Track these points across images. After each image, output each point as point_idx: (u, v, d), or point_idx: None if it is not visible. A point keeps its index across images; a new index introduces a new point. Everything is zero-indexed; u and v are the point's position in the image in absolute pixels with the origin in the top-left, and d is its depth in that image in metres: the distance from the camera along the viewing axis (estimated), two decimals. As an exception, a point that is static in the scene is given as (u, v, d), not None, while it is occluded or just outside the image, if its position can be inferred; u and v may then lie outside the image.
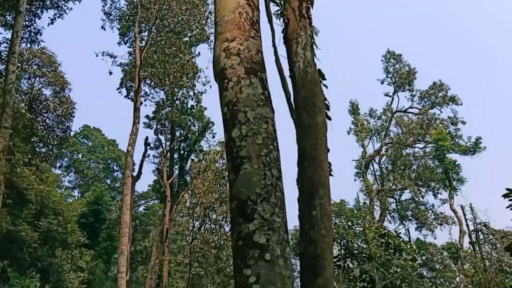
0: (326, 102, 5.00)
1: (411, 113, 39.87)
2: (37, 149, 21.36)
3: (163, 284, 20.45)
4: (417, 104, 39.50)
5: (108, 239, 31.44)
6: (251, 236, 2.74)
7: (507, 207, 9.21)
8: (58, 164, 42.28)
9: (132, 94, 26.71)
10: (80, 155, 51.74)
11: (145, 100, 29.20)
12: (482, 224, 26.52)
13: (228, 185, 3.46)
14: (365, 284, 25.06)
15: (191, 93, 32.41)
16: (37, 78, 24.19)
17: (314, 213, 3.83)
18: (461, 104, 37.53)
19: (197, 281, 32.76)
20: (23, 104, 22.11)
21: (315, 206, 3.85)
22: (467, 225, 29.97)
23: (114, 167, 53.63)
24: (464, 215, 29.98)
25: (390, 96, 39.83)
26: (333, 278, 3.66)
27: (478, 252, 28.14)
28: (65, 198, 26.62)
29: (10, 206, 18.43)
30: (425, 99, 39.00)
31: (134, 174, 27.20)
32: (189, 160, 32.63)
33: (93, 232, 26.16)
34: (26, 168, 19.77)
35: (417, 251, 27.74)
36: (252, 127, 3.11)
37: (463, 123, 37.68)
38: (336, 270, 24.33)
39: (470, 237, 29.72)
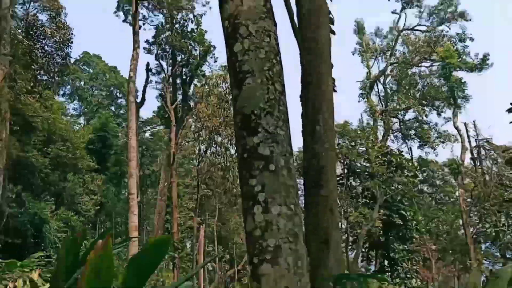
0: (330, 15, 4.84)
1: (419, 30, 38.71)
2: (38, 76, 21.20)
3: (173, 205, 21.33)
4: (425, 21, 38.24)
5: (117, 164, 32.28)
6: (256, 148, 2.80)
7: (510, 122, 9.27)
8: (61, 92, 42.17)
9: (130, 18, 25.87)
10: (82, 83, 51.42)
11: (143, 24, 28.39)
12: (485, 140, 26.83)
13: (232, 107, 3.46)
14: (367, 201, 26.11)
15: (191, 15, 31.38)
16: (31, 3, 23.38)
17: (317, 128, 3.87)
18: (470, 20, 36.28)
19: (205, 201, 34.11)
20: (19, 31, 21.56)
21: (318, 121, 3.88)
22: (469, 142, 30.41)
23: (117, 94, 53.47)
24: (467, 132, 30.29)
25: (397, 14, 38.44)
26: (336, 190, 3.79)
27: (479, 167, 28.79)
28: (71, 126, 26.91)
29: (18, 133, 18.76)
30: (434, 16, 37.65)
31: (138, 100, 27.25)
32: (192, 85, 32.44)
33: (101, 158, 26.83)
34: (29, 96, 19.83)
35: (418, 168, 28.48)
36: (254, 41, 3.04)
37: (471, 39, 36.71)
38: (339, 188, 25.20)
39: (471, 153, 30.28)
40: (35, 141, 20.11)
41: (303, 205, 3.63)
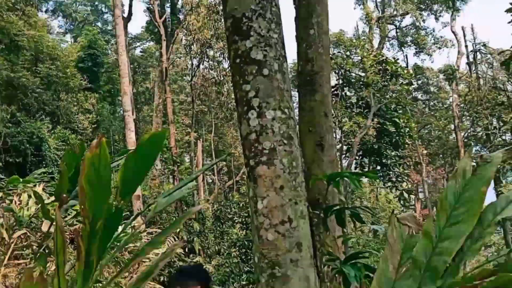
0: None
1: None
2: (18, -8, 20.11)
3: (169, 121, 21.44)
4: None
5: (110, 82, 31.85)
6: (248, 53, 2.76)
7: (509, 22, 9.05)
8: (44, 9, 40.30)
9: None
10: (64, -3, 48.77)
11: None
12: (481, 44, 26.41)
13: (222, 13, 3.33)
14: (361, 110, 26.34)
15: None
16: None
17: (311, 32, 3.77)
18: None
19: (201, 117, 34.28)
20: None
21: (312, 24, 3.77)
22: (466, 46, 29.96)
23: (103, 9, 51.05)
24: (464, 36, 29.69)
25: None
26: (330, 94, 3.80)
27: (474, 72, 28.68)
28: (58, 44, 26.04)
29: (5, 53, 18.27)
30: None
31: (125, 15, 26.09)
32: (180, -3, 30.85)
33: (93, 76, 26.35)
34: (12, 13, 18.99)
35: (413, 76, 28.35)
36: None
37: None
38: (333, 99, 25.25)
39: (467, 58, 29.97)
40: (23, 61, 19.64)
41: (297, 109, 3.67)
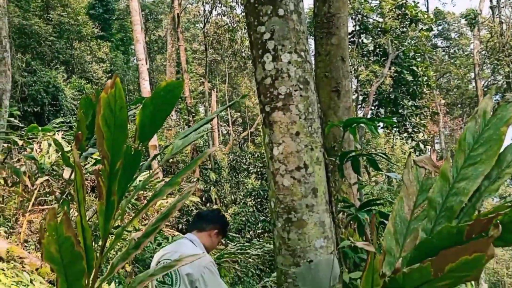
0: None
1: None
2: None
3: (182, 70, 21.25)
4: None
5: (122, 30, 31.44)
6: (263, -8, 2.65)
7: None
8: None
9: None
10: None
11: None
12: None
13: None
14: (378, 58, 25.67)
15: None
16: None
17: (329, -29, 3.60)
18: None
19: (215, 67, 33.94)
20: None
21: (330, -37, 3.59)
22: (490, -12, 28.48)
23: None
24: (489, -22, 28.17)
25: None
26: (347, 38, 3.68)
27: (497, 16, 27.46)
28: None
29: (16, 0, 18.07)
30: None
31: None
32: None
33: (105, 24, 25.97)
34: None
35: (434, 21, 27.24)
36: None
37: None
38: (350, 46, 24.57)
39: (491, 1, 28.60)
40: (34, 7, 19.39)
41: (313, 54, 3.57)
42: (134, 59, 33.12)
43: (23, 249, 6.34)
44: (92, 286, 1.50)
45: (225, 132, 39.95)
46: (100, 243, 1.54)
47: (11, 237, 6.73)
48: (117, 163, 1.39)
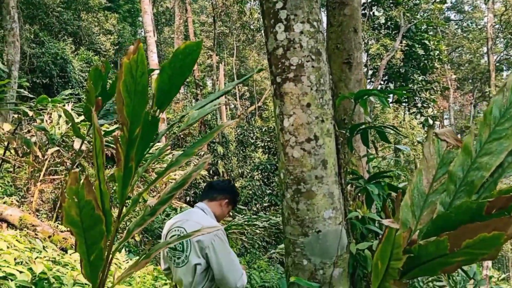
0: None
1: None
2: None
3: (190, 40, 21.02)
4: None
5: (129, 1, 31.04)
6: (276, -40, 2.60)
7: None
8: None
9: None
10: None
11: None
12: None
13: None
14: (389, 32, 25.20)
15: None
16: None
17: None
18: None
19: (223, 39, 33.53)
20: None
21: None
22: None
23: None
24: None
25: None
26: (360, 8, 3.62)
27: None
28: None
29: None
30: None
31: None
32: None
33: (112, -5, 25.72)
34: None
35: (447, -7, 26.57)
36: None
37: None
38: (361, 19, 24.08)
39: (507, -27, 27.77)
40: (39, -22, 19.23)
41: (325, 25, 3.52)
42: (141, 31, 32.84)
43: (35, 217, 6.48)
44: (109, 249, 1.54)
45: (232, 106, 39.86)
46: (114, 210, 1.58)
47: (22, 206, 6.87)
48: (136, 130, 1.41)
